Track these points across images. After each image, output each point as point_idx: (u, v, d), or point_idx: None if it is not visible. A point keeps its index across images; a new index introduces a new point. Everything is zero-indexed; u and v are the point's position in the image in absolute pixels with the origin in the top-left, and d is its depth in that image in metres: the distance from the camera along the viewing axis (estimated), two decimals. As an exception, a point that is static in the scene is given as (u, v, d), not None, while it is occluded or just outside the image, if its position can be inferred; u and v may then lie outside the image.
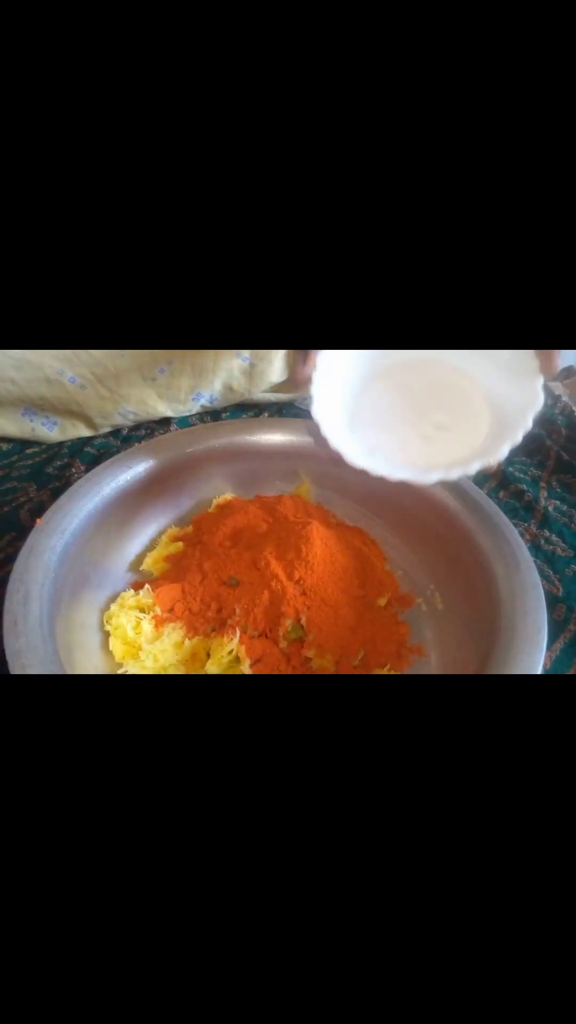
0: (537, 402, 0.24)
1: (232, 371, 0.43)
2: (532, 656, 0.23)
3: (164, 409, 0.44)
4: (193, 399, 0.44)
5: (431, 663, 0.29)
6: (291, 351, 0.42)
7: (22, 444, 0.43)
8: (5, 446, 0.43)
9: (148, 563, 0.31)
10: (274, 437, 0.35)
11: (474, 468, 0.23)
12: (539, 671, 0.23)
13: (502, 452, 0.23)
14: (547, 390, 0.55)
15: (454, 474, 0.24)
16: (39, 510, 0.37)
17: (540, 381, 0.25)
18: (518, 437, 0.23)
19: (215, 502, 0.35)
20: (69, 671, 0.22)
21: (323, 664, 0.27)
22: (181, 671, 0.27)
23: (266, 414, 0.47)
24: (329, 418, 0.26)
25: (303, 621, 0.28)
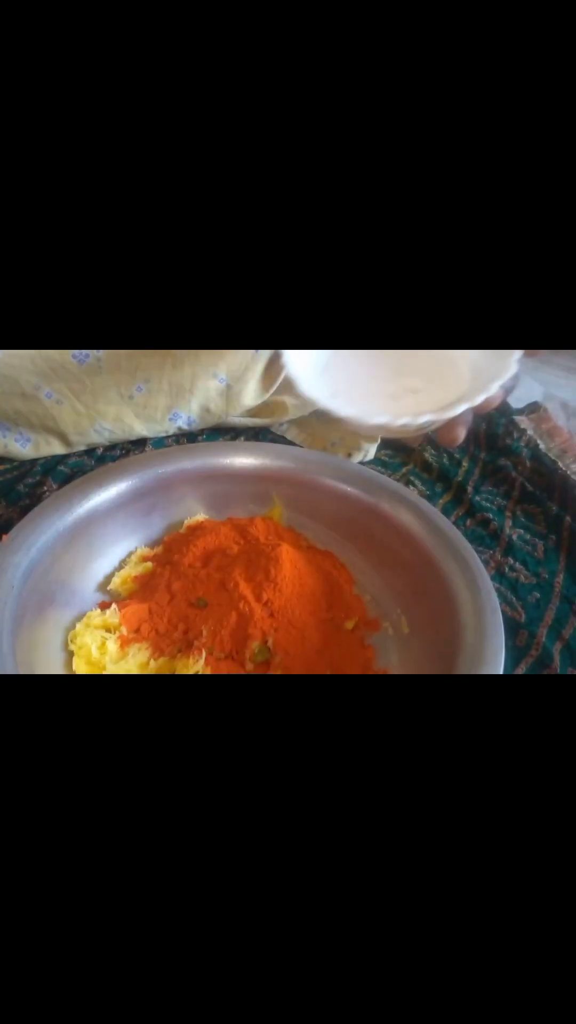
0: (507, 372, 0.24)
1: (209, 392, 0.44)
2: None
3: (141, 428, 0.44)
4: (171, 419, 0.45)
5: (396, 687, 0.29)
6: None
7: (-8, 460, 0.43)
8: (-26, 462, 0.42)
9: (116, 583, 0.31)
10: (248, 460, 0.36)
11: (422, 420, 0.24)
12: None
13: (456, 410, 0.23)
14: (513, 423, 0.57)
15: (398, 422, 0.24)
16: (8, 527, 0.37)
17: (517, 354, 0.25)
18: (476, 400, 0.24)
19: (187, 523, 0.35)
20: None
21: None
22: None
23: (242, 438, 0.48)
24: (299, 362, 0.26)
25: (270, 643, 0.28)
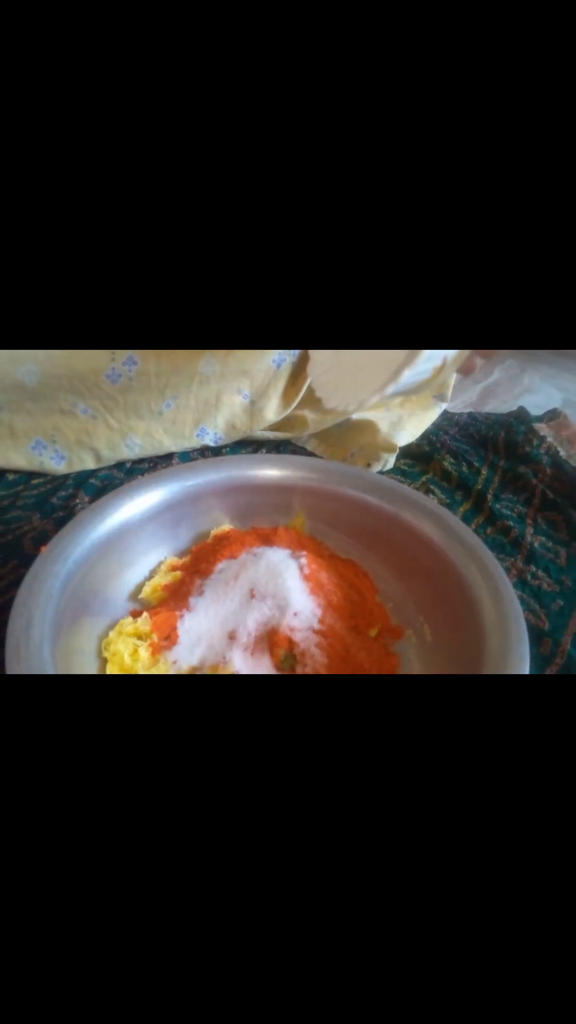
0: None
1: (234, 407, 0.46)
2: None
3: (169, 444, 0.46)
4: (198, 434, 0.46)
5: (420, 694, 0.29)
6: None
7: (28, 475, 0.45)
8: (12, 476, 0.44)
9: (147, 592, 0.32)
10: (271, 472, 0.37)
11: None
12: None
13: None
14: (532, 431, 0.57)
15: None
16: (42, 539, 0.38)
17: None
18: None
19: (213, 533, 0.36)
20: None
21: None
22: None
23: (264, 450, 0.49)
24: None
25: (296, 651, 0.29)
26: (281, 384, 0.46)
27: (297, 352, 0.45)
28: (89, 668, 0.28)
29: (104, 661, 0.29)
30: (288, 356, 0.45)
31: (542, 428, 0.58)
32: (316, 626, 0.29)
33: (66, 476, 0.45)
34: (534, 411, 0.60)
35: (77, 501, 0.42)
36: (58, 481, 0.44)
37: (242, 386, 0.44)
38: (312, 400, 0.49)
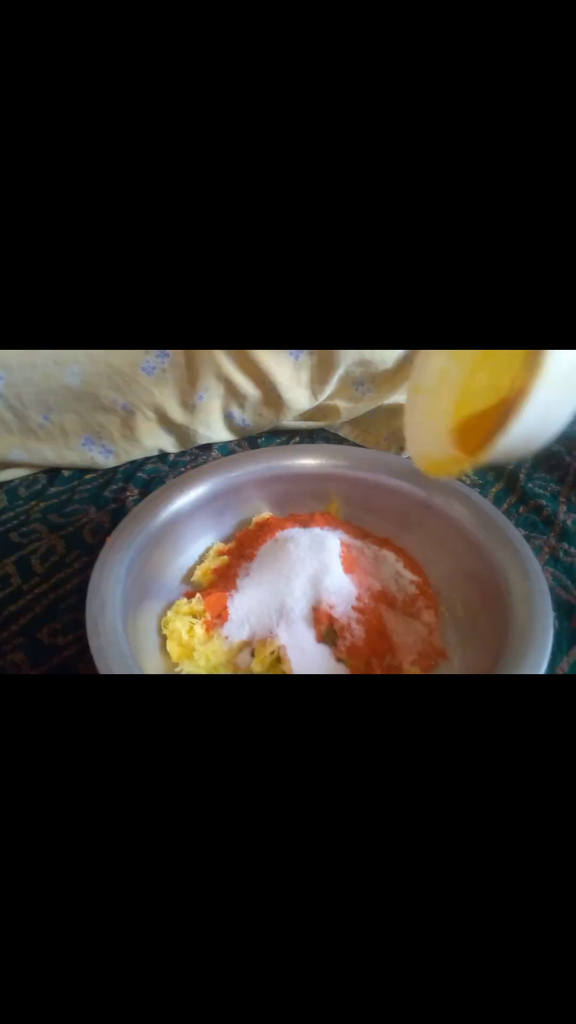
0: None
1: (260, 399, 0.48)
2: (539, 656, 0.25)
3: (204, 431, 0.49)
4: (226, 416, 0.49)
5: (454, 665, 0.31)
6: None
7: (82, 471, 0.48)
8: (67, 472, 0.48)
9: (198, 575, 0.36)
10: (306, 461, 0.39)
11: None
12: (543, 671, 0.26)
13: None
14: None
15: None
16: (100, 530, 0.42)
17: None
18: None
19: (255, 520, 0.39)
20: (137, 669, 0.26)
21: (355, 665, 0.31)
22: (230, 670, 0.31)
23: (297, 439, 0.52)
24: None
25: (336, 627, 0.31)
26: (305, 376, 0.48)
27: None
28: (152, 644, 0.32)
29: (164, 638, 0.32)
30: (304, 349, 0.46)
31: (577, 404, 0.57)
32: (354, 603, 0.32)
33: (115, 470, 0.48)
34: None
35: (128, 494, 0.45)
36: (108, 475, 0.48)
37: (264, 378, 0.46)
38: (344, 390, 0.50)
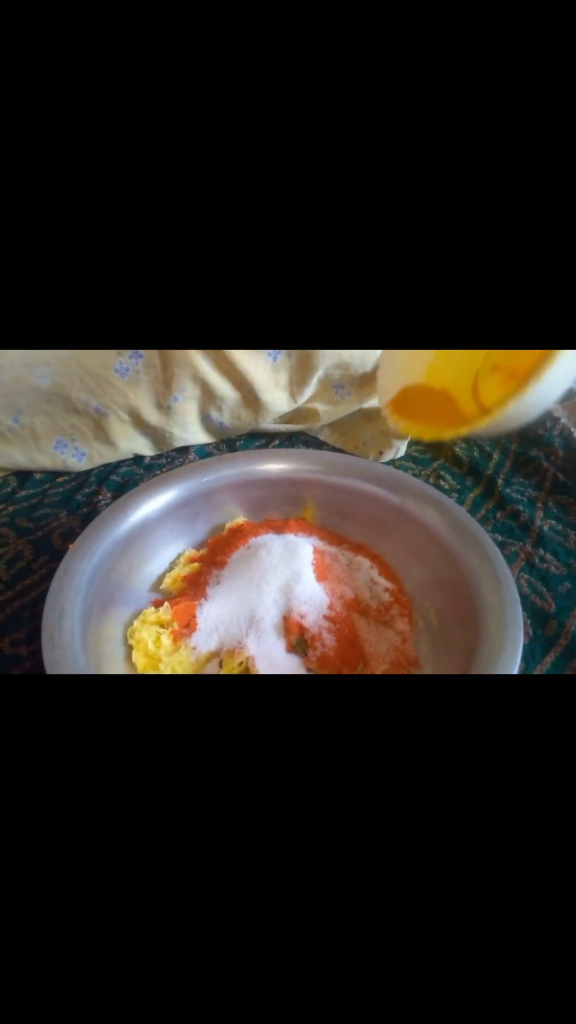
0: None
1: (238, 400, 0.47)
2: (507, 668, 0.25)
3: (180, 433, 0.48)
4: (204, 419, 0.48)
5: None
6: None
7: (53, 474, 0.47)
8: (38, 475, 0.47)
9: (167, 583, 0.35)
10: (281, 466, 0.39)
11: None
12: None
13: None
14: (547, 415, 0.57)
15: None
16: (70, 535, 0.41)
17: None
18: None
19: (228, 526, 0.38)
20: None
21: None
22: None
23: (276, 442, 0.51)
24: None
25: (307, 636, 0.30)
26: (283, 378, 0.47)
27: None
28: (116, 655, 0.31)
29: (130, 648, 0.31)
30: (282, 351, 0.46)
31: (556, 409, 0.57)
32: (325, 612, 0.31)
33: (88, 473, 0.47)
34: (549, 391, 0.59)
35: (100, 497, 0.44)
36: (81, 479, 0.47)
37: (244, 381, 0.46)
38: (324, 393, 0.50)
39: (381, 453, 0.48)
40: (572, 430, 0.53)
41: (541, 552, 0.40)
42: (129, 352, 0.43)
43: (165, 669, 0.30)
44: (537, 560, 0.39)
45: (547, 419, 0.54)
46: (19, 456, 0.45)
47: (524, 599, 0.36)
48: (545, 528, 0.42)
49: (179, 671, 0.30)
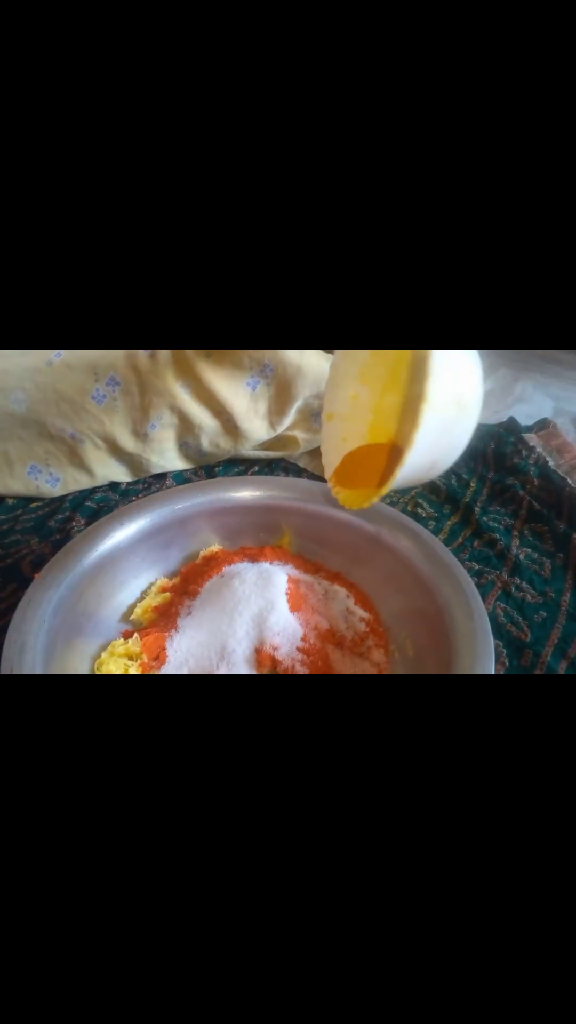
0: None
1: (217, 428, 0.47)
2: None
3: (156, 461, 0.47)
4: (180, 446, 0.48)
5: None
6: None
7: (27, 499, 0.46)
8: (11, 500, 0.46)
9: (138, 613, 0.34)
10: (257, 493, 0.38)
11: None
12: None
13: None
14: (522, 441, 0.58)
15: None
16: (40, 562, 0.40)
17: None
18: None
19: (202, 554, 0.37)
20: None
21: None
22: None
23: (256, 468, 0.51)
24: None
25: (279, 668, 0.30)
26: (263, 407, 0.47)
27: (271, 375, 0.46)
28: (82, 688, 0.30)
29: (96, 681, 0.30)
30: (261, 380, 0.46)
31: (532, 438, 0.58)
32: (299, 643, 0.30)
33: (63, 499, 0.46)
34: (525, 420, 0.61)
35: (74, 524, 0.43)
36: (55, 504, 0.46)
37: (223, 408, 0.46)
38: (302, 422, 0.50)
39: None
40: (547, 459, 0.54)
41: (517, 581, 0.40)
42: (106, 379, 0.43)
43: (132, 704, 0.29)
44: (513, 589, 0.39)
45: (522, 448, 0.55)
46: (-9, 481, 0.44)
47: (500, 628, 0.36)
48: (521, 556, 0.42)
49: (146, 706, 0.29)
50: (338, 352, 0.31)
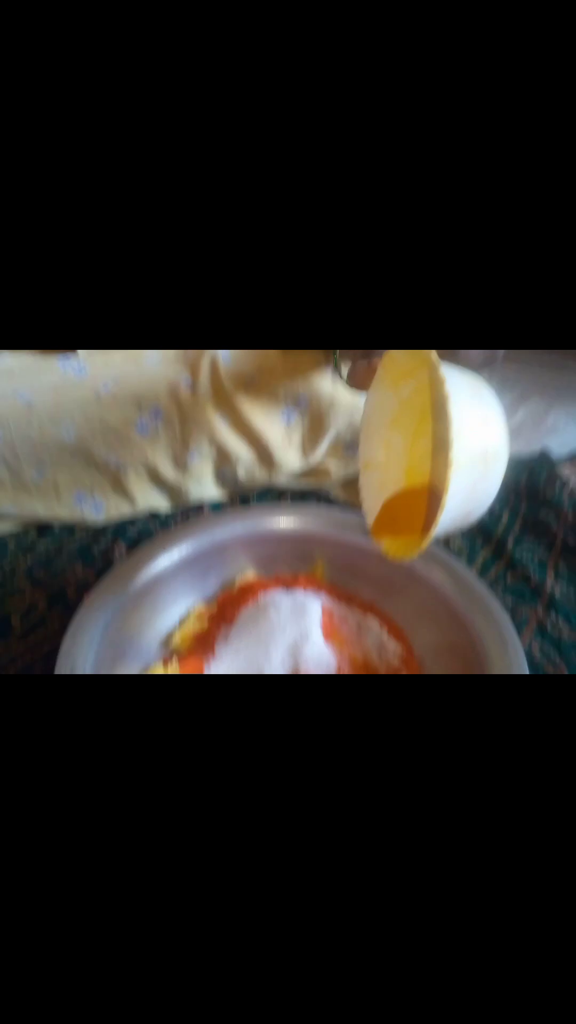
0: None
1: (253, 459, 0.49)
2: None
3: (195, 488, 0.49)
4: (217, 475, 0.50)
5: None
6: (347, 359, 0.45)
7: (71, 526, 0.49)
8: (56, 528, 0.48)
9: (177, 640, 0.35)
10: (292, 522, 0.40)
11: None
12: None
13: None
14: (556, 476, 0.58)
15: None
16: (85, 587, 0.42)
17: None
18: None
19: (238, 581, 0.38)
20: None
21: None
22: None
23: (288, 498, 0.52)
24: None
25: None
26: (297, 438, 0.49)
27: (305, 407, 0.48)
28: (123, 711, 0.31)
29: (137, 704, 0.31)
30: (296, 412, 0.48)
31: (565, 469, 0.58)
32: (333, 673, 0.31)
33: (105, 527, 0.49)
34: (559, 450, 0.60)
35: (115, 550, 0.45)
36: (98, 532, 0.48)
37: (256, 439, 0.48)
38: (335, 452, 0.51)
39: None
40: (581, 491, 0.53)
41: (553, 617, 0.39)
42: (149, 410, 0.46)
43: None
44: (549, 626, 0.39)
45: (556, 480, 0.54)
46: (40, 508, 0.47)
47: (537, 666, 0.36)
48: (556, 592, 0.41)
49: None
50: (367, 402, 0.32)
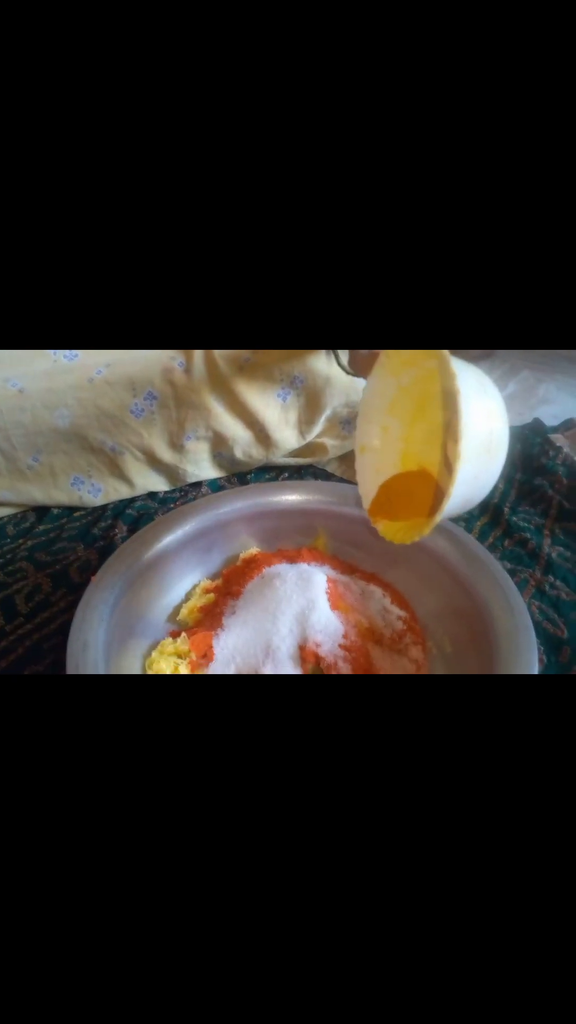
0: None
1: (249, 439, 0.49)
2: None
3: (193, 469, 0.49)
4: (214, 456, 0.50)
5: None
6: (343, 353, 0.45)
7: (70, 509, 0.48)
8: (56, 510, 0.48)
9: (184, 613, 0.35)
10: (293, 497, 0.40)
11: None
12: None
13: None
14: (548, 442, 0.58)
15: None
16: (87, 568, 0.42)
17: None
18: None
19: (242, 556, 0.39)
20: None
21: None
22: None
23: (286, 475, 0.52)
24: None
25: (322, 665, 0.31)
26: (293, 417, 0.49)
27: (301, 387, 0.48)
28: (135, 685, 0.31)
29: (148, 679, 0.32)
30: (292, 391, 0.48)
31: (558, 438, 0.59)
32: (341, 641, 0.32)
33: (104, 507, 0.48)
34: (551, 421, 0.61)
35: (116, 531, 0.45)
36: (97, 512, 0.48)
37: (253, 419, 0.48)
38: (331, 429, 0.51)
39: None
40: (574, 458, 0.54)
41: (551, 579, 0.40)
42: (144, 394, 0.45)
43: (184, 699, 0.30)
44: (547, 587, 0.40)
45: (549, 448, 0.55)
46: (37, 493, 0.47)
47: (536, 626, 0.37)
48: (554, 555, 0.42)
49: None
50: (366, 388, 0.33)
